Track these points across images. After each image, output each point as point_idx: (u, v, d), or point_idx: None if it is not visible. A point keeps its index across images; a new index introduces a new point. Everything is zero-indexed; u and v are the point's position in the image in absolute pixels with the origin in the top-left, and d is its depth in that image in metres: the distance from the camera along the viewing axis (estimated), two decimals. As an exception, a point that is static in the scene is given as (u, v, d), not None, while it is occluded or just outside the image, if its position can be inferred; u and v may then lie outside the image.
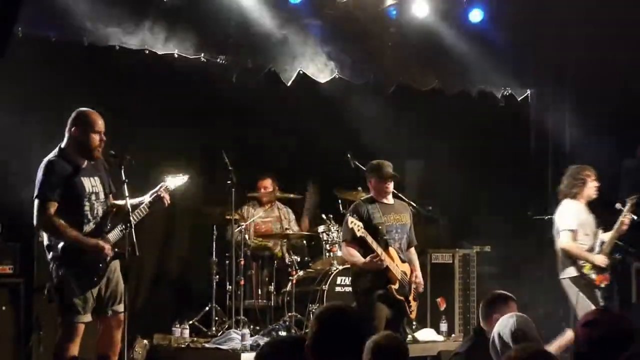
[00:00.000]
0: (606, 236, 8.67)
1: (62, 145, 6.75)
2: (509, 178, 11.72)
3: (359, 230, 7.55)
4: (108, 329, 6.86)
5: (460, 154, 11.71)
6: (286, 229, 10.27)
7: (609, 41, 10.75)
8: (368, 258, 7.66)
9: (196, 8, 9.23)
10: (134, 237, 6.50)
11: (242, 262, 9.61)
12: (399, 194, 8.58)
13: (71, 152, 6.72)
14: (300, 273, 9.92)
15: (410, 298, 7.94)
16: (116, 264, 6.84)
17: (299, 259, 10.06)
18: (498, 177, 11.63)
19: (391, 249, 7.81)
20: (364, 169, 8.48)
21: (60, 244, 6.60)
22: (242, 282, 9.56)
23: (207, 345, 9.00)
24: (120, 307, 6.80)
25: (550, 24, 11.02)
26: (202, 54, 9.49)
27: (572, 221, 8.57)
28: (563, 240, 8.57)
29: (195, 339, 9.22)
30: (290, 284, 9.73)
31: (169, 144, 9.88)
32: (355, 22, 10.23)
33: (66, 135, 6.77)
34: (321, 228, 10.06)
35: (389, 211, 7.96)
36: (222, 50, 9.65)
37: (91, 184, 6.75)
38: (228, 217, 9.63)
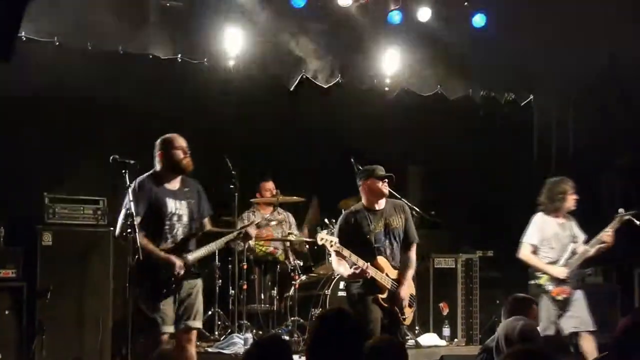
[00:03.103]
0: (581, 248, 8.71)
1: (157, 169, 7.24)
2: (512, 183, 11.71)
3: (332, 246, 7.48)
4: (179, 342, 7.17)
5: (463, 159, 11.71)
6: (288, 233, 10.26)
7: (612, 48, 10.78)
8: (351, 270, 7.60)
9: (199, 11, 9.27)
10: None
11: (245, 267, 9.61)
12: (397, 195, 8.53)
13: (162, 173, 7.22)
14: (303, 278, 9.94)
15: (405, 307, 7.77)
16: (198, 283, 7.26)
17: (301, 264, 10.07)
18: (501, 182, 11.64)
19: (380, 258, 7.65)
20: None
21: (137, 256, 6.82)
22: (245, 287, 9.56)
23: (209, 349, 9.03)
24: (194, 323, 7.20)
25: (554, 29, 11.01)
26: (205, 59, 9.52)
27: (535, 235, 8.74)
28: (520, 252, 8.77)
29: (198, 343, 9.21)
30: (292, 288, 9.74)
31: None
32: (358, 27, 10.24)
33: (156, 163, 7.25)
34: (324, 233, 10.05)
35: (379, 218, 7.78)
36: (224, 55, 9.67)
37: (175, 206, 7.19)
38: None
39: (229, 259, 9.72)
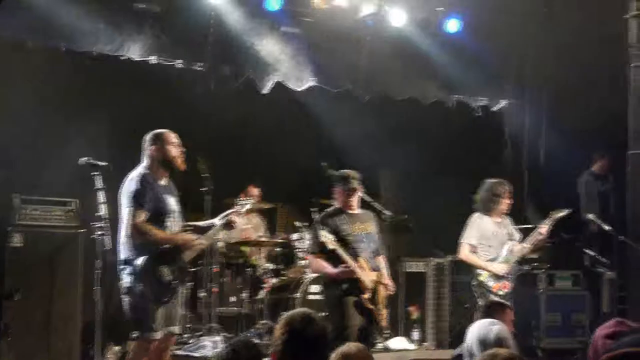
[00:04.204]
0: (518, 245, 8.86)
1: (145, 165, 7.06)
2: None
3: (331, 243, 7.56)
4: (158, 347, 7.01)
5: (436, 164, 11.74)
6: (259, 236, 10.26)
7: (586, 55, 10.83)
8: (340, 268, 7.65)
9: (173, 15, 9.25)
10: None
11: (216, 270, 9.59)
12: (370, 201, 8.60)
13: (155, 171, 7.06)
14: (274, 281, 9.93)
15: (381, 306, 7.95)
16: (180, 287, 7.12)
17: (272, 267, 10.06)
18: (473, 187, 11.67)
19: (361, 259, 7.82)
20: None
21: (140, 260, 6.78)
22: (215, 290, 9.54)
23: (178, 352, 8.97)
24: (174, 329, 7.08)
25: (527, 36, 11.08)
26: (179, 61, 9.50)
27: (473, 235, 8.89)
28: (460, 252, 8.94)
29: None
30: (263, 291, 9.73)
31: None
32: (332, 31, 10.26)
33: (146, 159, 7.09)
34: (295, 236, 10.07)
35: (355, 221, 7.97)
36: (199, 57, 9.66)
37: (171, 202, 7.10)
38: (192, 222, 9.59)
39: (200, 262, 9.70)
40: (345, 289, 7.74)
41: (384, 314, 7.99)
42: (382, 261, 8.21)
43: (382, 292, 7.97)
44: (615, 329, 4.06)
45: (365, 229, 8.00)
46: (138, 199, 6.80)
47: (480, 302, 8.62)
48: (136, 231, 6.79)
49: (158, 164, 7.08)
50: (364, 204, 8.32)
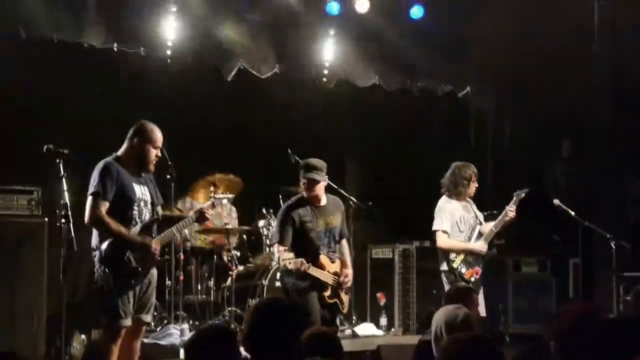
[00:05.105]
0: (486, 227, 8.84)
1: (119, 153, 6.97)
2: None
3: (289, 263, 7.50)
4: (127, 335, 6.91)
5: (401, 150, 11.76)
6: (225, 223, 10.20)
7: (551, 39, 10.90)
8: (295, 263, 7.54)
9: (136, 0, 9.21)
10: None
11: (182, 257, 9.54)
12: (338, 188, 8.58)
13: (127, 160, 6.94)
14: (240, 268, 9.91)
15: (342, 295, 7.92)
16: (154, 273, 7.07)
17: (238, 254, 10.04)
18: (438, 174, 11.69)
19: (322, 257, 7.78)
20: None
21: (104, 245, 6.70)
22: (181, 278, 9.48)
23: (145, 340, 8.89)
24: (146, 318, 7.04)
25: (490, 22, 11.11)
26: (142, 48, 9.43)
27: (445, 222, 8.77)
28: (439, 241, 8.79)
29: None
30: (230, 279, 9.71)
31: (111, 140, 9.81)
32: (296, 17, 10.24)
33: (125, 144, 6.97)
34: (261, 222, 10.06)
35: (320, 215, 7.89)
36: (163, 44, 9.60)
37: (141, 191, 6.98)
38: (167, 213, 9.54)
39: (166, 249, 9.62)
40: (307, 283, 7.72)
41: (345, 300, 7.97)
42: (344, 245, 8.18)
43: (349, 273, 7.96)
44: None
45: (331, 223, 7.93)
46: (98, 189, 6.73)
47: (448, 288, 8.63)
48: (93, 221, 6.74)
49: (131, 156, 6.99)
50: (332, 191, 8.29)
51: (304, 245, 7.74)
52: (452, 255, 8.69)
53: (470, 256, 8.68)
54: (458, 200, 8.86)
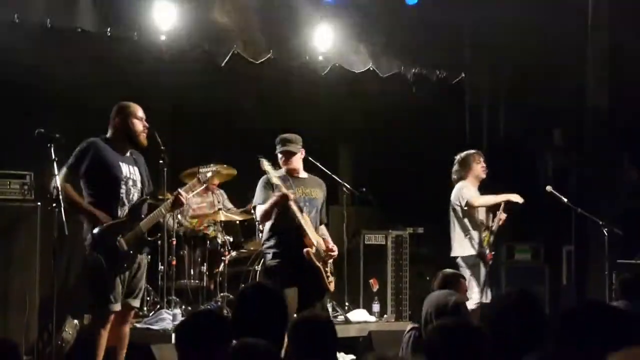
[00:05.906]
0: (498, 215, 9.02)
1: (107, 135, 7.06)
2: (444, 161, 11.77)
3: (275, 178, 7.59)
4: (116, 319, 6.97)
5: (395, 136, 11.75)
6: (219, 209, 10.18)
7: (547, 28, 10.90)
8: (276, 196, 7.59)
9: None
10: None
11: (174, 242, 9.52)
12: (331, 174, 8.56)
13: (115, 140, 7.04)
14: (233, 253, 9.91)
15: (328, 269, 7.88)
16: (145, 259, 7.16)
17: (231, 240, 10.03)
18: (432, 160, 11.71)
19: (305, 215, 7.76)
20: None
21: (96, 230, 6.76)
22: (174, 262, 9.47)
23: (138, 325, 8.93)
24: (134, 302, 7.10)
25: (486, 8, 11.08)
26: (135, 33, 9.40)
27: (474, 192, 9.10)
28: (476, 202, 9.02)
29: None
30: (222, 264, 9.71)
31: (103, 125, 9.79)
32: (291, 2, 10.22)
33: (110, 127, 7.12)
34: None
35: (299, 184, 7.89)
36: (156, 29, 9.56)
37: (129, 170, 7.05)
38: (160, 197, 9.53)
39: (158, 234, 9.62)
40: (285, 255, 7.74)
41: (331, 277, 7.91)
42: (324, 230, 8.17)
43: (327, 255, 7.88)
44: None
45: (310, 194, 7.93)
46: (70, 162, 6.87)
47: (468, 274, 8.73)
48: (57, 190, 6.74)
49: (119, 136, 7.07)
50: (324, 176, 8.28)
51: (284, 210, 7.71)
52: (484, 234, 8.89)
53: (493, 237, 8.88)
54: (474, 185, 9.13)
